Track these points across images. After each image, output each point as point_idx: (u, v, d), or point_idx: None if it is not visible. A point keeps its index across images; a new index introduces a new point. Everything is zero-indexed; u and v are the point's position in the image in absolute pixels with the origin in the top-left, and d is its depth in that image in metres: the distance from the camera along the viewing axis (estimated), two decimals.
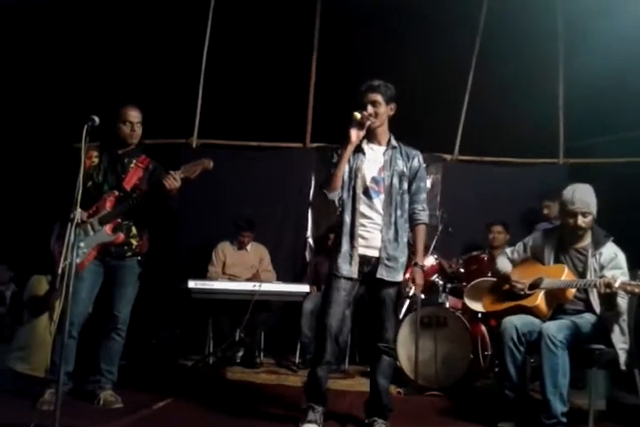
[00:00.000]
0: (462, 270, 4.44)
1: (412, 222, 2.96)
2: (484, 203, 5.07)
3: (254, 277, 4.74)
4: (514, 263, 3.31)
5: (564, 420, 2.76)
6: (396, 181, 2.89)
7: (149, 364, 4.20)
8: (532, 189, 5.01)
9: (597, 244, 3.06)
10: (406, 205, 2.92)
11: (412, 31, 5.28)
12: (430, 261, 4.35)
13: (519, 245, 3.34)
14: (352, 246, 2.83)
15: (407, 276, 2.96)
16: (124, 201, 3.18)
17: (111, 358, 3.22)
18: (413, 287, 2.92)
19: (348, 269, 2.83)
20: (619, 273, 2.91)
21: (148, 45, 5.14)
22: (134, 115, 3.25)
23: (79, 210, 2.74)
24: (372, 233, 2.86)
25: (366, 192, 2.88)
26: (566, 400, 2.79)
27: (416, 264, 2.92)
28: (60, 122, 4.89)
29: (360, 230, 2.86)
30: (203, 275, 4.72)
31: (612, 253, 3.01)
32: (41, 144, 5.00)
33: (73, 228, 2.67)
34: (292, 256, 5.32)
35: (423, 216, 2.97)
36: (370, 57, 5.29)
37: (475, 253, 4.55)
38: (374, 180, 2.89)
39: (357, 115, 2.79)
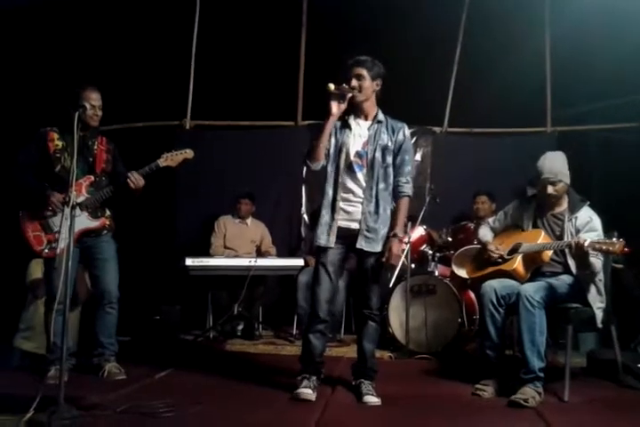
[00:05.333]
0: (450, 239, 4.56)
1: (396, 195, 3.01)
2: (473, 174, 5.15)
3: (264, 254, 4.93)
4: (496, 231, 3.43)
5: (542, 375, 2.89)
6: (378, 154, 2.94)
7: (152, 339, 4.35)
8: (520, 159, 5.06)
9: (574, 208, 3.16)
10: (391, 179, 2.96)
11: (399, 4, 5.30)
12: (419, 231, 4.47)
13: (500, 214, 3.46)
14: (332, 218, 2.94)
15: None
16: (98, 185, 3.30)
17: (109, 330, 3.36)
18: (385, 257, 2.89)
19: (325, 238, 2.93)
20: (594, 235, 3.01)
21: (138, 29, 5.17)
22: (97, 97, 3.29)
23: (74, 193, 2.86)
24: (355, 207, 2.95)
25: (350, 166, 2.96)
26: (544, 357, 2.92)
27: (394, 235, 2.92)
28: (22, 103, 4.89)
29: (343, 204, 2.95)
30: (201, 252, 4.83)
31: (587, 216, 3.11)
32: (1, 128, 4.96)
33: (70, 209, 2.79)
34: (288, 232, 5.46)
35: (406, 189, 2.98)
36: (359, 31, 5.33)
37: (462, 222, 4.65)
38: (358, 154, 2.96)
39: (331, 86, 2.84)
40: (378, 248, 2.94)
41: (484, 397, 2.97)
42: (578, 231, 3.09)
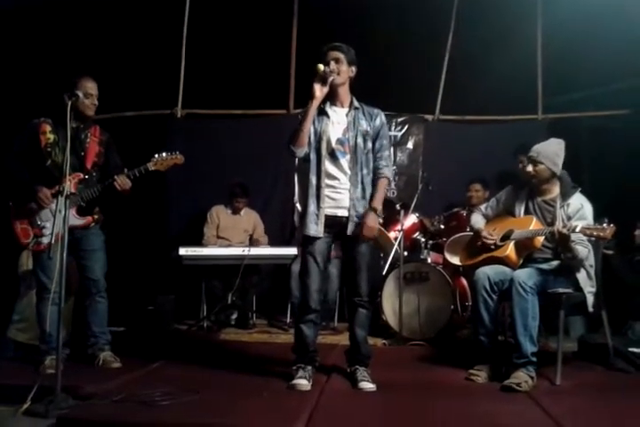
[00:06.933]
0: (442, 227, 4.58)
1: (375, 176, 3.01)
2: (464, 161, 5.17)
3: (254, 243, 4.91)
4: (488, 218, 3.45)
5: (534, 359, 2.93)
6: (360, 140, 2.97)
7: (146, 329, 4.34)
8: (512, 146, 5.08)
9: (565, 195, 3.18)
10: (371, 164, 3.00)
11: None
12: (412, 219, 4.49)
13: (492, 201, 3.48)
14: (318, 207, 2.94)
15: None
16: (88, 182, 3.28)
17: (101, 320, 3.36)
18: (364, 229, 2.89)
19: (315, 228, 2.93)
20: (584, 223, 3.02)
21: (128, 17, 5.13)
22: (93, 86, 3.26)
23: (68, 183, 2.85)
24: (340, 194, 2.96)
25: (332, 153, 2.97)
26: (536, 341, 2.96)
27: (371, 208, 2.94)
28: (15, 93, 4.87)
29: (328, 192, 2.95)
30: (195, 241, 4.85)
31: (578, 204, 3.13)
32: None
33: (64, 200, 2.79)
34: (281, 221, 5.45)
35: (387, 171, 3.02)
36: (351, 20, 5.31)
37: (455, 209, 4.66)
38: (339, 141, 2.98)
39: (321, 66, 2.86)
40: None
41: (477, 382, 3.01)
42: (569, 218, 3.11)
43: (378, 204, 2.98)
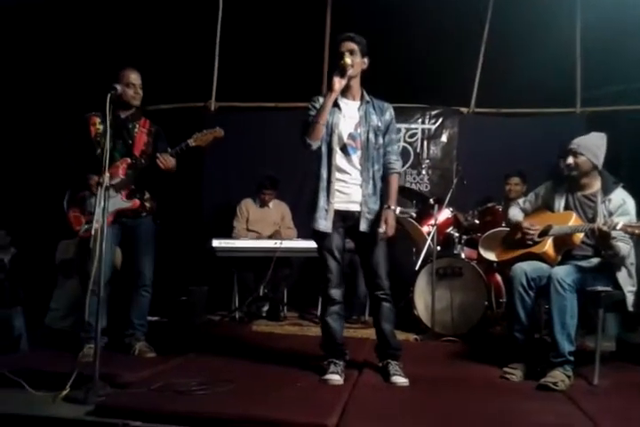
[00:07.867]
0: (477, 222, 4.52)
1: (387, 171, 2.99)
2: (500, 155, 5.09)
3: (276, 234, 4.90)
4: (526, 213, 3.39)
5: (571, 358, 2.88)
6: (372, 136, 2.94)
7: (179, 320, 4.40)
8: (549, 140, 5.00)
9: (606, 190, 3.11)
10: (382, 160, 2.98)
11: None
12: (446, 213, 4.44)
13: (531, 195, 3.41)
14: (328, 202, 2.91)
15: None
16: (137, 168, 3.33)
17: (142, 312, 3.43)
18: (383, 227, 2.87)
19: (324, 224, 2.91)
20: (626, 220, 2.95)
21: (163, 11, 5.17)
22: (136, 77, 3.33)
23: (107, 174, 2.90)
24: (351, 188, 2.93)
25: (344, 148, 2.93)
26: (574, 340, 2.90)
27: (388, 207, 2.93)
28: (66, 89, 5.02)
29: (339, 186, 2.92)
30: (227, 233, 4.88)
31: (620, 199, 3.06)
32: (45, 112, 5.07)
33: (103, 191, 2.83)
34: None
35: (397, 166, 3.03)
36: (384, 11, 5.25)
37: (490, 204, 4.59)
38: (351, 136, 2.93)
39: (348, 60, 2.83)
40: (380, 230, 2.93)
41: (512, 380, 2.97)
42: (611, 214, 3.04)
43: (393, 202, 2.97)
